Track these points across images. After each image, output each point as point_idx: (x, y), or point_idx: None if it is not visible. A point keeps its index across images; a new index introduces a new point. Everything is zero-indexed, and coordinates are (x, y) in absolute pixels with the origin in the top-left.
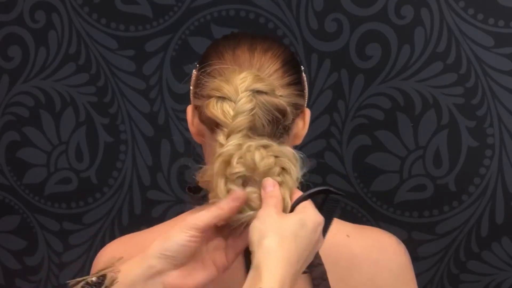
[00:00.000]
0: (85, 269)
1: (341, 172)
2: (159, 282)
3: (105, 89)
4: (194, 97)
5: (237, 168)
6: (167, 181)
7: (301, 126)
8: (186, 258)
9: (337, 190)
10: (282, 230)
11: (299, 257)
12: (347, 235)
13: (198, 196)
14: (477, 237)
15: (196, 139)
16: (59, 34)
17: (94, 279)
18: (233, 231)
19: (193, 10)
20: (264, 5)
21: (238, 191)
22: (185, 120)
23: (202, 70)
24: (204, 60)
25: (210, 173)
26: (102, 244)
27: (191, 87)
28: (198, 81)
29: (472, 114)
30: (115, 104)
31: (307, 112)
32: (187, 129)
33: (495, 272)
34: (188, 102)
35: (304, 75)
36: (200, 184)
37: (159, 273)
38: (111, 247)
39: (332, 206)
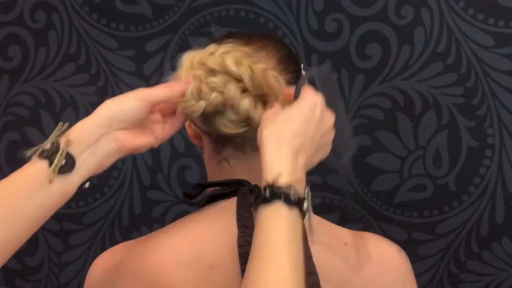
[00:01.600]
0: (85, 269)
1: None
2: (110, 139)
3: (105, 89)
4: None
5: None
6: (167, 181)
7: None
8: (133, 124)
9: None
10: (275, 120)
11: (296, 136)
12: (345, 244)
13: (195, 201)
14: (477, 237)
15: (194, 142)
16: (59, 34)
17: (48, 146)
18: (172, 109)
19: (193, 10)
20: (264, 5)
21: (189, 78)
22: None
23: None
24: None
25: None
26: (102, 244)
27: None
28: None
29: (472, 114)
30: None
31: None
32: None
33: (495, 272)
34: None
35: (304, 73)
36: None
37: (109, 132)
38: (103, 258)
39: (325, 84)
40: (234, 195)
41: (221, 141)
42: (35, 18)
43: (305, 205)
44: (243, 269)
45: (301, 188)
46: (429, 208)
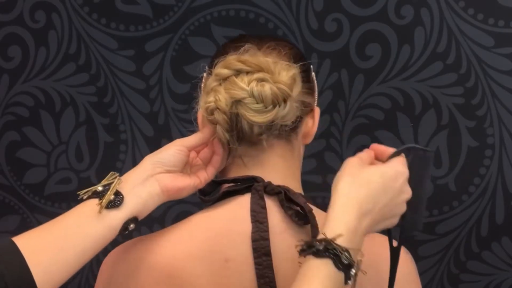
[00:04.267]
0: (85, 269)
1: None
2: (154, 181)
3: (105, 89)
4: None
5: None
6: None
7: (311, 125)
8: (175, 167)
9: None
10: (357, 175)
11: (369, 200)
12: None
13: (209, 198)
14: (477, 237)
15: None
16: (59, 34)
17: (100, 188)
18: (210, 151)
19: (193, 10)
20: (264, 5)
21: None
22: (185, 120)
23: (209, 73)
24: (212, 63)
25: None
26: None
27: (200, 92)
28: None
29: (472, 114)
30: (115, 104)
31: (317, 111)
32: (187, 129)
33: (495, 272)
34: (189, 102)
35: (313, 74)
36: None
37: (153, 174)
38: (117, 253)
39: (420, 162)
40: (248, 191)
41: (238, 139)
42: (35, 18)
43: (352, 271)
44: (256, 263)
45: (355, 253)
46: (429, 208)
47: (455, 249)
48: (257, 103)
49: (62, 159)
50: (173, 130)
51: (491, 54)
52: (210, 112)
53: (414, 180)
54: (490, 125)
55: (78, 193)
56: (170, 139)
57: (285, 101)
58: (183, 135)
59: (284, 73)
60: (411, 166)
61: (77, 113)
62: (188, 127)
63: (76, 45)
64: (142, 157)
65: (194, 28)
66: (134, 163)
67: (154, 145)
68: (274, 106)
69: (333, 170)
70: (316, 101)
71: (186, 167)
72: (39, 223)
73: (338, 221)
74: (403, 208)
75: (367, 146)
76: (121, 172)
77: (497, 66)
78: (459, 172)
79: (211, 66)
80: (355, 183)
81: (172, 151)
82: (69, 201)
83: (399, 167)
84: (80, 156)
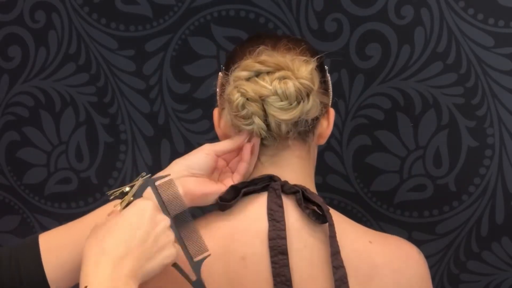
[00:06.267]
0: None
1: (341, 172)
2: (179, 182)
3: (105, 89)
4: (220, 99)
5: None
6: None
7: (326, 126)
8: (201, 172)
9: None
10: (99, 229)
11: (117, 240)
12: (370, 241)
13: (231, 203)
14: (477, 237)
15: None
16: (59, 34)
17: (127, 188)
18: (239, 160)
19: (193, 10)
20: (264, 5)
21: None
22: (185, 120)
23: (227, 71)
24: (228, 62)
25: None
26: None
27: (217, 90)
28: (224, 83)
29: (472, 114)
30: (115, 104)
31: (331, 112)
32: (187, 129)
33: (495, 272)
34: (189, 102)
35: (328, 75)
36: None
37: (178, 177)
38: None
39: (158, 188)
40: (265, 190)
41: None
42: (35, 18)
43: None
44: (273, 261)
45: None
46: (429, 208)
47: (455, 249)
48: (282, 100)
49: (62, 159)
50: (173, 130)
51: (491, 54)
52: (241, 107)
53: (169, 207)
54: (490, 125)
55: (107, 192)
56: (170, 139)
57: (308, 95)
58: (183, 135)
59: (303, 68)
60: (158, 196)
61: (77, 113)
62: (188, 127)
63: (76, 45)
64: (142, 157)
65: (194, 28)
66: (134, 163)
67: (154, 145)
68: (299, 102)
69: (333, 170)
70: (331, 101)
71: (215, 174)
72: (39, 223)
73: (89, 277)
74: (169, 236)
75: (367, 146)
76: (121, 172)
77: (497, 66)
78: (459, 172)
79: (228, 67)
80: (98, 238)
81: (200, 155)
82: (69, 201)
83: (136, 204)
84: (80, 156)
